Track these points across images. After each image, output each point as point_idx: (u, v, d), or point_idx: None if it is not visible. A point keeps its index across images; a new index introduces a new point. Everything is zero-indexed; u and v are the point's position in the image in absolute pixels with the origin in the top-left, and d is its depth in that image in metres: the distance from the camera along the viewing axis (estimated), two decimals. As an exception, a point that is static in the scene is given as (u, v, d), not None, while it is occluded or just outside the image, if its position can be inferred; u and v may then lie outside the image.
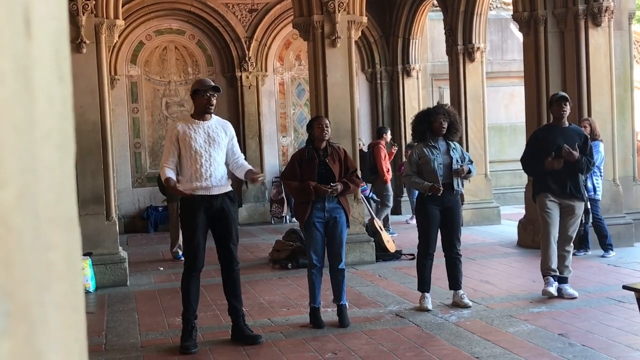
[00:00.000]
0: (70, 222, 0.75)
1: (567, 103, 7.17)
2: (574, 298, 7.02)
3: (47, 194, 0.68)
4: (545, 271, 7.14)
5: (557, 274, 7.13)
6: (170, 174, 5.80)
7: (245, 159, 6.24)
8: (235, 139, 6.13)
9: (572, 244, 7.27)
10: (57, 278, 0.69)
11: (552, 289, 7.02)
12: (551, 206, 7.13)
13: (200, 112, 5.95)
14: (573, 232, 7.20)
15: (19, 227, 0.63)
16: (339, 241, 6.46)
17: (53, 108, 0.69)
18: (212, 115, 6.04)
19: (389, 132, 13.62)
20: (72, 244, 0.76)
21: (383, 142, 12.94)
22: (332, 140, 6.68)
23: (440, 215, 6.85)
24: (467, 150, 11.93)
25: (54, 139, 0.69)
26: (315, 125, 6.44)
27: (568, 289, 7.13)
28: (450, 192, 6.82)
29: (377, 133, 14.03)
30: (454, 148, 6.90)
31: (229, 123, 6.23)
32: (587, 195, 8.94)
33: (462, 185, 7.18)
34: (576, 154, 6.94)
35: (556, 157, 6.98)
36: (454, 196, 6.89)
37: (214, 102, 5.92)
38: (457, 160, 6.84)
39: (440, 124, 6.80)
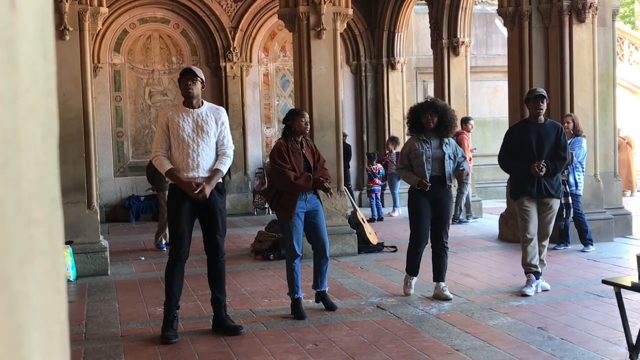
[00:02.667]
0: (52, 202, 0.75)
1: (545, 100, 7.13)
2: (547, 290, 7.10)
3: (30, 169, 0.67)
4: (527, 267, 7.18)
5: (539, 270, 7.18)
6: (169, 164, 5.77)
7: None
8: (225, 126, 5.94)
9: (548, 239, 7.32)
10: (38, 255, 0.69)
11: (531, 291, 7.04)
12: (528, 204, 7.16)
13: (184, 99, 5.93)
14: (550, 227, 7.25)
15: (0, 196, 0.62)
16: (323, 229, 6.58)
17: (37, 84, 0.68)
18: (204, 102, 5.99)
19: (471, 122, 13.29)
20: (54, 224, 0.75)
21: (467, 132, 12.85)
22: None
23: (430, 207, 6.92)
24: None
25: (38, 115, 0.68)
26: (298, 119, 6.47)
27: (541, 282, 7.21)
28: (441, 184, 6.88)
29: (461, 122, 12.77)
30: (447, 143, 6.96)
31: (222, 109, 6.06)
32: (568, 190, 9.03)
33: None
34: (544, 171, 6.94)
35: (541, 163, 6.95)
36: (445, 189, 6.95)
37: (192, 87, 5.79)
38: (449, 156, 6.89)
39: (428, 119, 6.89)
